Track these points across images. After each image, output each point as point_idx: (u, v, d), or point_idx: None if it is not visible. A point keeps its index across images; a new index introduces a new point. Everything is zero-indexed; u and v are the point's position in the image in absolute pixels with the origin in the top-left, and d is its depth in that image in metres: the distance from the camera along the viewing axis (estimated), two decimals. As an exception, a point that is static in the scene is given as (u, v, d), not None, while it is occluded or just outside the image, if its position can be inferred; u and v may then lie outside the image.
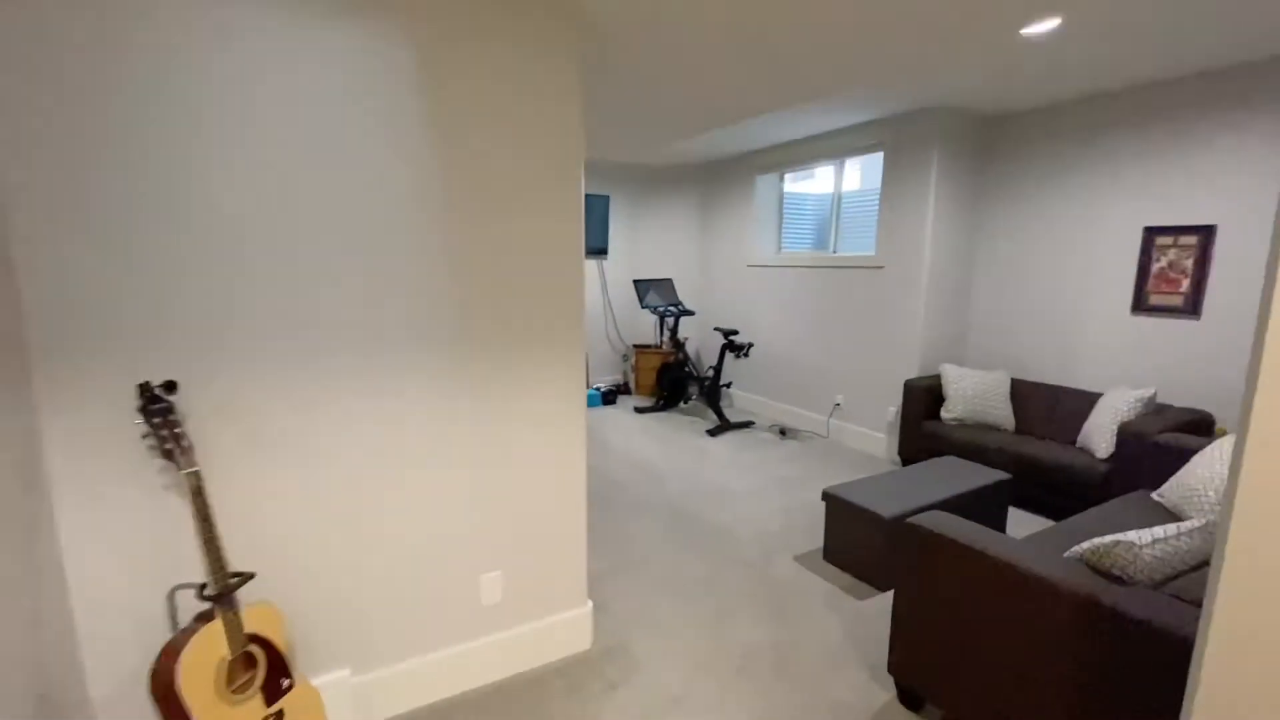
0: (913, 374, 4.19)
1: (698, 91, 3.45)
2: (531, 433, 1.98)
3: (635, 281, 5.49)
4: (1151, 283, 3.45)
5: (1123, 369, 3.60)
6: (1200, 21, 2.63)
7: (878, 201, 4.42)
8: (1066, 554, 1.61)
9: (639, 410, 5.61)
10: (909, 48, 2.74)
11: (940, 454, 3.86)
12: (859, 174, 5.10)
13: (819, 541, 3.04)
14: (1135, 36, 2.69)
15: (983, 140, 4.19)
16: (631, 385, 6.51)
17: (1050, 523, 3.29)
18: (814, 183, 5.72)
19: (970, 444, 3.67)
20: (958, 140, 4.04)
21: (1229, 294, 3.16)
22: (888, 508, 2.60)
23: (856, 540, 2.69)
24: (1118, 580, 1.46)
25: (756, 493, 3.67)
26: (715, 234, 6.09)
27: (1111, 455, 3.15)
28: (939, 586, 1.75)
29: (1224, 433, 3.16)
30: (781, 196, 5.53)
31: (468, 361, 1.85)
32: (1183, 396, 3.35)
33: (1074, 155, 3.73)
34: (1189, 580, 1.47)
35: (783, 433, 4.97)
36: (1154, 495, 2.64)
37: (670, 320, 5.60)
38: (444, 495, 1.87)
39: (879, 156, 4.47)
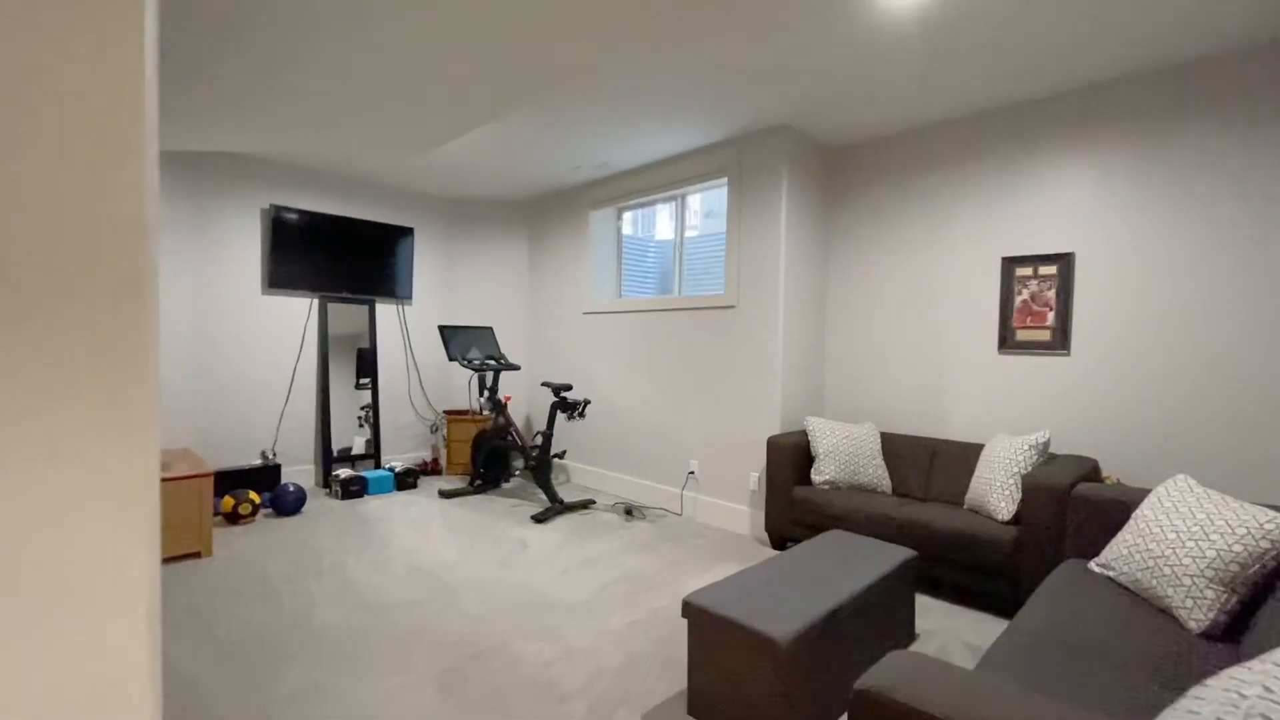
0: (775, 430, 3.49)
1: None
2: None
3: (442, 328, 4.33)
4: (1016, 317, 3.12)
5: (996, 414, 3.18)
6: (1045, 39, 2.39)
7: (723, 244, 3.86)
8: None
9: (445, 494, 4.30)
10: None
11: (815, 526, 3.11)
12: (699, 221, 4.59)
13: (681, 680, 2.01)
14: (984, 50, 2.38)
15: (829, 172, 3.84)
16: (443, 462, 5.16)
17: (961, 609, 2.60)
18: (655, 230, 5.15)
19: (850, 512, 2.96)
20: (805, 168, 3.62)
21: (1096, 326, 2.88)
22: (779, 620, 1.67)
23: (737, 678, 1.71)
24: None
25: (591, 604, 2.58)
26: (546, 277, 5.20)
27: (1015, 516, 2.59)
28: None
29: (1114, 482, 2.77)
30: (620, 236, 4.84)
31: None
32: (1062, 442, 2.97)
33: (923, 185, 3.44)
34: None
35: (629, 512, 3.98)
36: (1094, 566, 2.03)
37: (489, 377, 4.50)
38: None
39: (723, 193, 3.96)
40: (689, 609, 1.80)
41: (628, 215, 4.87)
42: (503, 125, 3.49)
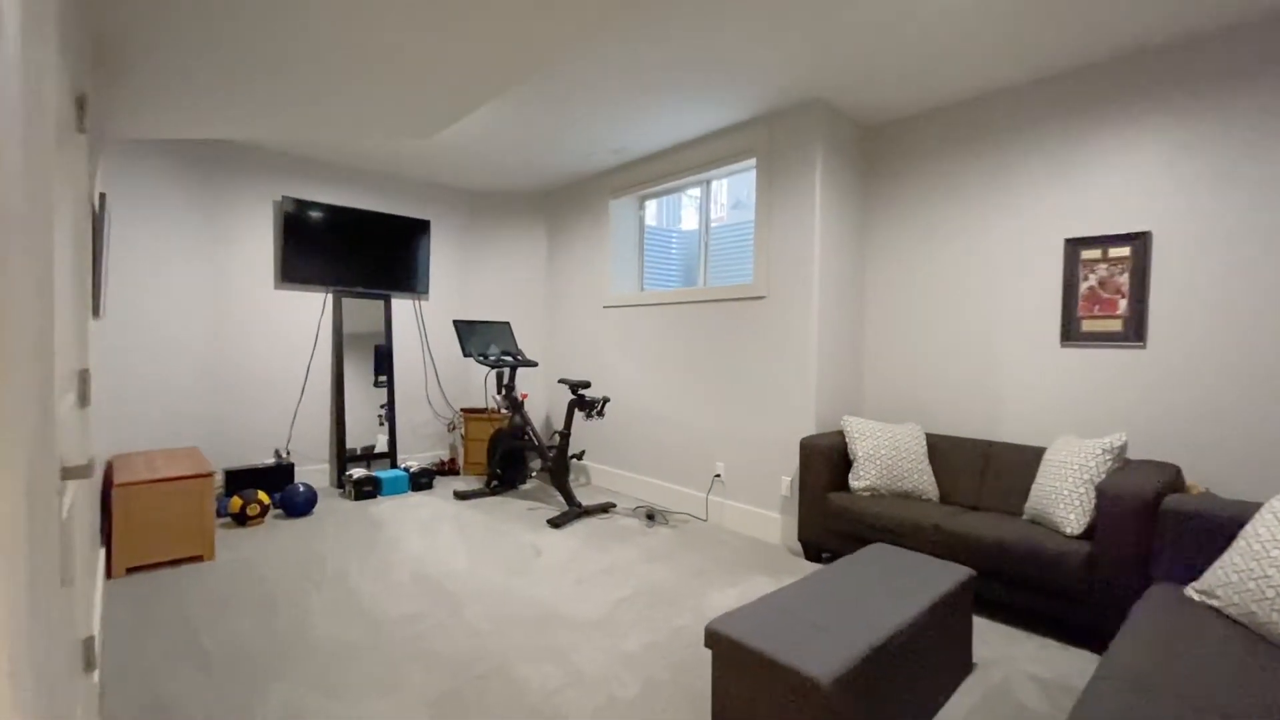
0: (809, 431, 3.22)
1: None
2: None
3: (457, 323, 4.17)
4: (1082, 305, 2.79)
5: (1058, 414, 2.86)
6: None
7: (750, 233, 3.61)
8: None
9: (460, 495, 4.13)
10: None
11: (853, 536, 2.84)
12: (726, 213, 4.33)
13: (704, 717, 1.77)
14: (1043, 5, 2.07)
15: (868, 150, 3.54)
16: (460, 461, 5.01)
17: (1021, 634, 2.30)
18: (680, 221, 4.91)
19: (893, 522, 2.68)
20: (841, 146, 3.33)
21: (1178, 313, 2.53)
22: (820, 656, 1.42)
23: (769, 721, 1.46)
24: None
25: (606, 621, 2.35)
26: (565, 270, 5.00)
27: (1087, 530, 2.28)
28: None
29: (1200, 492, 2.43)
30: (642, 225, 4.61)
31: None
32: (1135, 445, 2.64)
33: (972, 163, 3.13)
34: None
35: (650, 517, 3.75)
36: (1192, 593, 1.72)
37: (506, 374, 4.32)
38: None
39: (750, 184, 3.70)
40: (714, 638, 1.56)
41: (650, 206, 4.64)
42: (515, 110, 3.29)
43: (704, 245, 4.11)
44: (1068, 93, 2.81)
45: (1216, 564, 1.70)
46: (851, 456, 3.02)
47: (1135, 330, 2.64)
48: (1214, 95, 2.43)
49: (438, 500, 4.08)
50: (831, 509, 2.91)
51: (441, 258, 5.03)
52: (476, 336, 4.24)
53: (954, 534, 2.47)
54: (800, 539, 3.07)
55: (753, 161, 3.57)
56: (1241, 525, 1.76)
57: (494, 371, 5.03)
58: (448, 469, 4.87)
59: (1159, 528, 1.95)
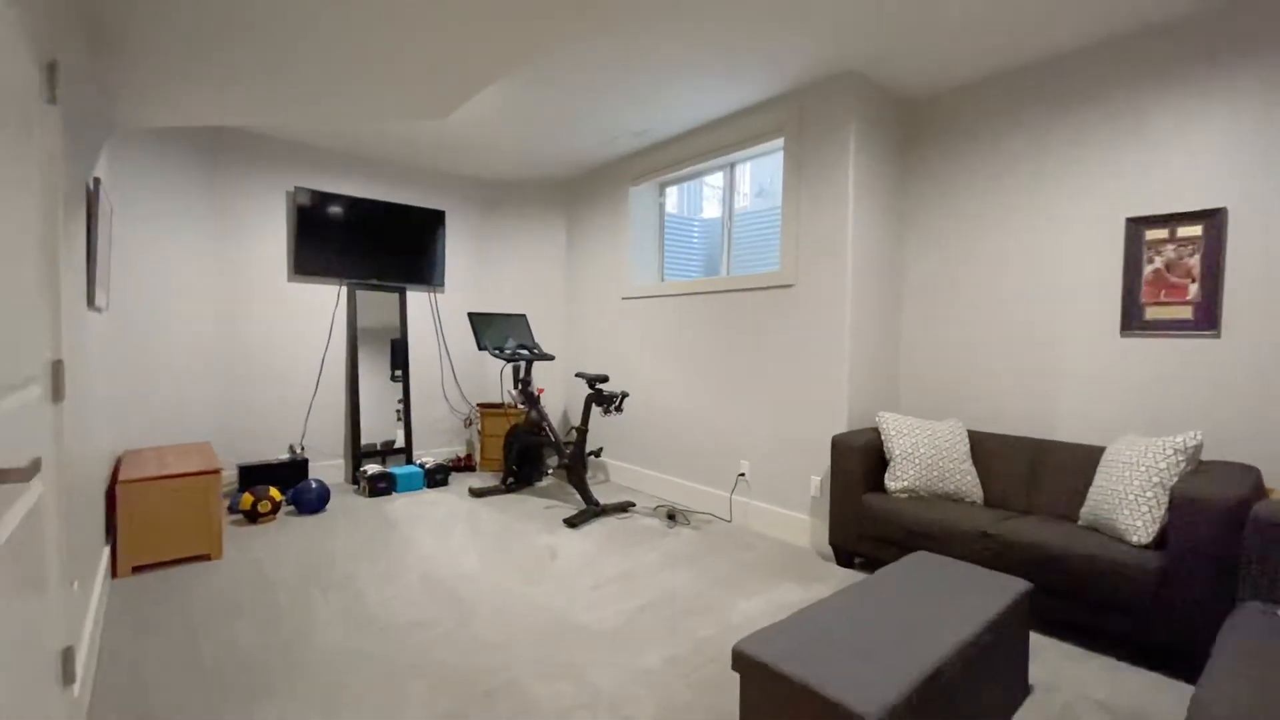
0: (841, 428, 3.02)
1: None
2: None
3: (472, 316, 4.04)
4: (1145, 291, 2.54)
5: (1116, 411, 2.61)
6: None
7: (776, 221, 3.41)
8: None
9: (475, 493, 4.01)
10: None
11: (890, 541, 2.64)
12: (749, 202, 4.12)
13: (730, 741, 1.61)
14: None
15: (906, 127, 3.31)
16: (477, 457, 4.91)
17: (1079, 652, 2.09)
18: (701, 209, 4.73)
19: (934, 527, 2.47)
20: (877, 122, 3.11)
21: (1256, 298, 2.28)
22: (864, 684, 1.24)
23: (805, 758, 1.29)
24: None
25: (623, 632, 2.20)
26: (583, 261, 4.85)
27: (1158, 539, 2.05)
28: None
29: (1278, 495, 2.19)
30: (662, 213, 4.43)
31: None
32: (1207, 446, 2.39)
33: (1023, 137, 2.88)
34: None
35: (671, 517, 3.59)
36: (1294, 616, 1.50)
37: (522, 368, 4.19)
38: None
39: (775, 171, 3.50)
40: (742, 661, 1.39)
41: (671, 194, 4.46)
42: (535, 92, 3.13)
43: (727, 232, 3.92)
44: (1128, 58, 2.55)
45: (1325, 583, 1.47)
46: (887, 455, 2.82)
47: (1207, 317, 2.39)
48: (1303, 53, 2.17)
49: (453, 497, 3.97)
50: (866, 511, 2.71)
51: (457, 249, 4.92)
52: (492, 329, 4.11)
53: (1006, 541, 2.26)
54: (831, 543, 2.88)
55: (780, 142, 3.36)
56: (1353, 539, 1.53)
57: (510, 365, 4.92)
58: (464, 465, 4.77)
59: (1246, 539, 1.73)
